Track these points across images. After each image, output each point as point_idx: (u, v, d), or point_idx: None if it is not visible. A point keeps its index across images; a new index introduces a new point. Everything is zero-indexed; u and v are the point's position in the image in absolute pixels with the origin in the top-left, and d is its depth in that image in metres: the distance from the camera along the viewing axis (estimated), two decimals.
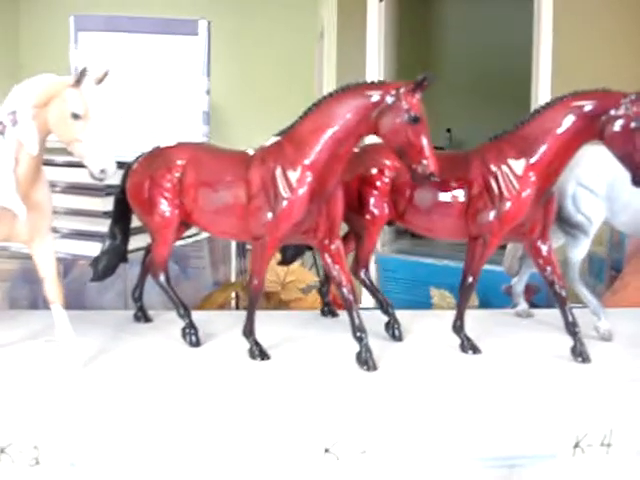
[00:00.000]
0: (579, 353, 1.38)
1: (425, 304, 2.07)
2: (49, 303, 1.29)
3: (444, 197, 1.41)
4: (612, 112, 1.29)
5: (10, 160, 1.22)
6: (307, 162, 1.28)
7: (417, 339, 1.49)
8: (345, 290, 1.33)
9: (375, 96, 1.24)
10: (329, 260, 1.36)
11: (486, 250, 1.38)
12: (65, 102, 1.18)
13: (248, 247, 1.42)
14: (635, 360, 1.40)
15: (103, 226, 1.58)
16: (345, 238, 1.54)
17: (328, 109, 1.27)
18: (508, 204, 1.35)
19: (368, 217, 1.47)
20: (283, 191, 1.28)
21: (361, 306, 1.83)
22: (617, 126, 1.28)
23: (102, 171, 1.18)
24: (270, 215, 1.29)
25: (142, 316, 1.58)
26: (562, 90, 1.37)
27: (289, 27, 5.93)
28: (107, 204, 1.59)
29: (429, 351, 1.42)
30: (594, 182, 1.52)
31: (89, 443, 1.17)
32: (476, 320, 1.56)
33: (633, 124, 1.27)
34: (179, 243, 1.81)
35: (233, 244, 2.17)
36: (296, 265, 2.00)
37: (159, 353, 1.39)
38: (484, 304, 2.00)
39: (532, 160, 1.35)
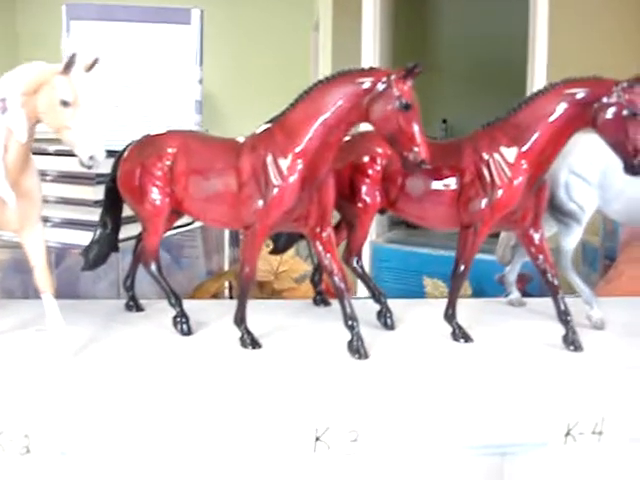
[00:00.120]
0: (571, 342, 1.38)
1: (418, 293, 2.08)
2: (39, 292, 1.29)
3: (436, 185, 1.41)
4: (604, 100, 1.28)
5: None
6: (298, 150, 1.27)
7: (409, 328, 1.48)
8: (336, 279, 1.33)
9: (366, 83, 1.23)
10: (320, 248, 1.36)
11: (477, 238, 1.38)
12: (54, 89, 1.18)
13: (242, 236, 1.42)
14: (628, 348, 1.40)
15: (94, 215, 1.57)
16: (337, 227, 1.54)
17: (319, 96, 1.27)
18: (500, 192, 1.34)
19: (360, 205, 1.46)
20: (274, 179, 1.27)
21: (356, 296, 1.84)
22: (609, 114, 1.28)
23: (91, 158, 1.18)
24: (261, 203, 1.28)
25: (134, 305, 1.57)
26: (558, 79, 1.36)
27: (284, 16, 5.92)
28: (98, 193, 1.58)
29: (421, 340, 1.42)
30: (587, 170, 1.52)
31: (80, 432, 1.17)
32: (468, 309, 1.56)
33: (625, 112, 1.26)
34: (172, 232, 1.81)
35: (226, 233, 2.16)
36: (290, 255, 2.00)
37: (150, 342, 1.38)
38: (477, 293, 2.00)
39: (524, 148, 1.34)
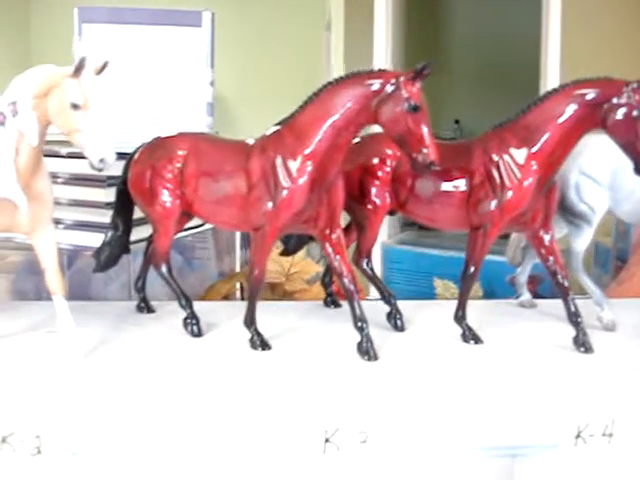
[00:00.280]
0: (582, 343, 1.38)
1: (429, 295, 2.07)
2: (50, 294, 1.30)
3: (445, 186, 1.40)
4: (614, 100, 1.28)
5: (10, 151, 1.22)
6: (307, 151, 1.27)
7: (419, 329, 1.48)
8: (346, 280, 1.33)
9: (375, 85, 1.23)
10: (330, 250, 1.36)
11: (487, 239, 1.38)
12: (64, 92, 1.18)
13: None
14: (639, 350, 1.40)
15: (106, 217, 1.58)
16: (347, 228, 1.54)
17: (328, 98, 1.27)
18: (509, 193, 1.34)
19: (370, 207, 1.46)
20: (283, 180, 1.28)
21: (368, 297, 1.84)
22: (619, 114, 1.27)
23: (101, 161, 1.19)
24: (270, 205, 1.29)
25: (145, 307, 1.58)
26: (571, 79, 1.36)
27: (295, 17, 5.92)
28: (110, 195, 1.59)
29: (430, 341, 1.42)
30: (597, 171, 1.51)
31: (91, 433, 1.17)
32: (479, 310, 1.55)
33: (635, 112, 1.26)
34: (184, 234, 1.81)
35: (238, 234, 2.17)
36: (301, 256, 2.01)
37: (160, 343, 1.39)
38: (488, 294, 2.00)
39: (534, 149, 1.34)
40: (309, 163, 1.27)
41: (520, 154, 1.35)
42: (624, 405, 1.25)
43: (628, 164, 1.30)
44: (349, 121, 1.26)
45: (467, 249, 1.41)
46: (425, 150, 1.21)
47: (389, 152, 1.45)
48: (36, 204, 1.28)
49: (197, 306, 1.47)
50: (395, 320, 1.48)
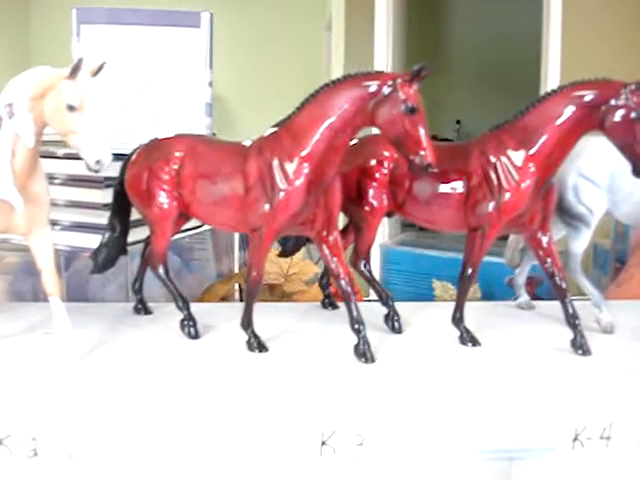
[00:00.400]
0: (579, 346, 1.37)
1: (428, 296, 2.07)
2: (47, 295, 1.29)
3: (443, 188, 1.40)
4: (612, 102, 1.27)
5: (7, 152, 1.22)
6: (304, 153, 1.27)
7: (416, 331, 1.48)
8: (343, 282, 1.33)
9: (372, 86, 1.23)
10: (327, 252, 1.35)
11: (485, 241, 1.37)
12: (61, 94, 1.18)
13: None
14: (637, 353, 1.39)
15: (103, 218, 1.58)
16: (345, 230, 1.54)
17: (325, 100, 1.27)
18: (507, 195, 1.34)
19: (367, 209, 1.46)
20: (280, 182, 1.27)
21: (367, 299, 1.83)
22: (617, 116, 1.27)
23: (98, 162, 1.19)
24: (267, 206, 1.28)
25: (142, 308, 1.58)
26: (572, 79, 1.35)
27: (296, 17, 5.92)
28: (107, 196, 1.58)
29: (428, 343, 1.41)
30: (595, 173, 1.51)
31: (87, 435, 1.17)
32: (477, 312, 1.55)
33: (633, 114, 1.26)
34: (182, 235, 1.81)
35: (236, 235, 2.17)
36: (300, 257, 2.00)
37: (157, 345, 1.39)
38: (487, 296, 1.99)
39: (531, 151, 1.33)
40: (306, 165, 1.27)
41: (518, 156, 1.34)
42: (622, 408, 1.25)
43: (626, 166, 1.29)
44: (346, 123, 1.26)
45: (465, 251, 1.41)
46: (422, 152, 1.21)
47: (387, 154, 1.45)
48: (32, 206, 1.27)
49: (194, 307, 1.46)
50: (392, 322, 1.47)
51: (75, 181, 1.67)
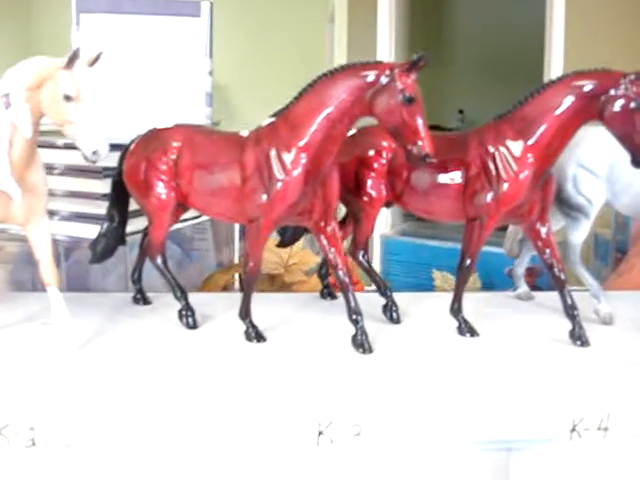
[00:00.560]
0: (578, 336, 1.37)
1: (428, 287, 2.06)
2: (45, 285, 1.30)
3: (441, 178, 1.40)
4: (612, 92, 1.27)
5: (4, 143, 1.22)
6: (301, 143, 1.27)
7: (415, 321, 1.48)
8: (341, 273, 1.33)
9: (370, 76, 1.22)
10: (325, 242, 1.35)
11: (483, 232, 1.37)
12: (57, 84, 1.18)
13: None
14: (636, 343, 1.39)
15: (102, 208, 1.57)
16: (344, 221, 1.54)
17: (323, 89, 1.26)
18: (505, 185, 1.33)
19: (365, 199, 1.46)
20: (277, 173, 1.27)
21: (368, 289, 1.83)
22: (617, 106, 1.26)
23: (94, 152, 1.19)
24: (264, 197, 1.28)
25: (141, 298, 1.58)
26: (575, 68, 1.35)
27: (299, 8, 5.90)
28: (106, 186, 1.58)
29: (426, 333, 1.41)
30: (595, 163, 1.50)
31: (85, 425, 1.18)
32: (476, 302, 1.55)
33: (633, 104, 1.25)
34: (182, 225, 1.81)
35: (237, 226, 2.16)
36: (300, 247, 2.00)
37: (155, 335, 1.39)
38: (487, 287, 1.99)
39: (530, 141, 1.33)
40: (303, 155, 1.27)
41: (516, 146, 1.34)
42: (620, 399, 1.25)
43: (626, 156, 1.29)
44: (343, 113, 1.25)
45: (463, 241, 1.40)
46: (420, 142, 1.20)
47: (385, 144, 1.44)
48: (30, 196, 1.27)
49: (193, 298, 1.47)
50: (391, 312, 1.47)
51: (74, 171, 1.67)
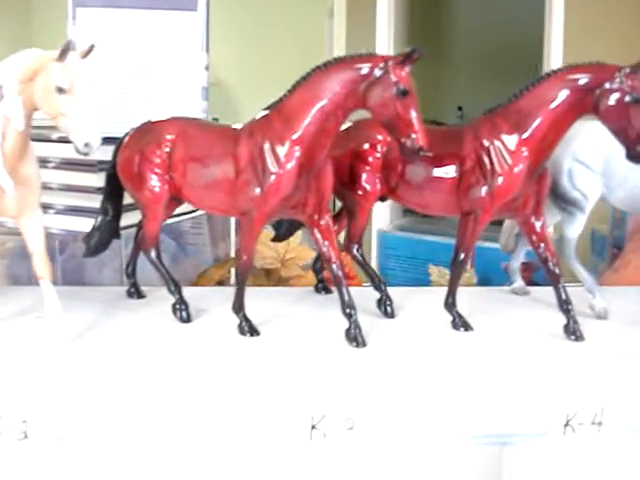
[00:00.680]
0: (572, 331, 1.37)
1: (424, 281, 2.06)
2: (38, 279, 1.29)
3: (436, 172, 1.39)
4: (607, 85, 1.26)
5: None
6: (295, 137, 1.26)
7: (409, 316, 1.48)
8: (334, 266, 1.32)
9: (363, 69, 1.22)
10: (318, 236, 1.35)
11: (477, 226, 1.37)
12: (50, 76, 1.18)
13: None
14: (630, 338, 1.39)
15: (97, 202, 1.57)
16: (338, 215, 1.53)
17: (316, 82, 1.26)
18: (500, 179, 1.33)
19: (360, 193, 1.46)
20: (271, 166, 1.26)
21: (366, 284, 1.83)
22: (611, 100, 1.26)
23: (86, 145, 1.18)
24: (258, 190, 1.28)
25: (135, 292, 1.58)
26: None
27: (298, 4, 5.89)
28: (101, 180, 1.58)
29: (420, 328, 1.41)
30: (590, 157, 1.50)
31: (77, 418, 1.17)
32: (471, 297, 1.55)
33: (628, 98, 1.25)
34: (178, 219, 1.81)
35: (232, 220, 2.16)
36: (296, 242, 2.00)
37: (149, 329, 1.39)
38: (485, 282, 1.98)
39: (525, 135, 1.32)
40: (297, 148, 1.26)
41: (511, 140, 1.33)
42: (614, 394, 1.25)
43: (621, 150, 1.29)
44: (337, 106, 1.25)
45: (457, 235, 1.40)
46: (414, 135, 1.20)
47: (380, 138, 1.44)
48: (23, 188, 1.27)
49: (188, 292, 1.46)
50: (385, 307, 1.47)
51: (69, 165, 1.66)
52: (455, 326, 1.40)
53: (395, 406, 1.21)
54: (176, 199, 1.43)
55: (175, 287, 1.44)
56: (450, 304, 1.42)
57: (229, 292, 1.43)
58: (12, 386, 1.17)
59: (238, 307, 1.36)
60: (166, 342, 1.32)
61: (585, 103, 1.29)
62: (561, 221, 1.55)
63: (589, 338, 1.37)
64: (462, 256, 1.39)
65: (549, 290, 1.44)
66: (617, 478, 1.27)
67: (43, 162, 1.58)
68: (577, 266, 1.53)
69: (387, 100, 1.20)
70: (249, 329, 1.35)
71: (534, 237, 1.41)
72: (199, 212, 1.92)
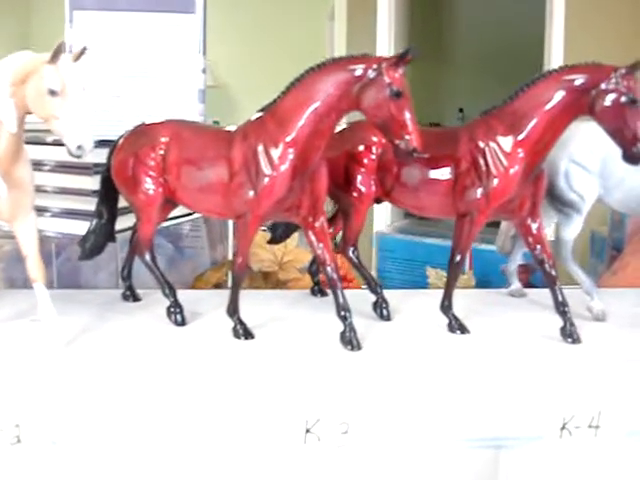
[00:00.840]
0: (569, 334, 1.36)
1: (422, 284, 2.05)
2: (31, 282, 1.29)
3: (431, 174, 1.39)
4: (602, 86, 1.25)
5: None
6: (289, 139, 1.26)
7: (405, 319, 1.47)
8: (329, 269, 1.32)
9: (357, 70, 1.21)
10: (313, 238, 1.34)
11: (473, 227, 1.36)
12: (42, 79, 1.17)
13: None
14: (628, 341, 1.38)
15: (93, 205, 1.56)
16: (334, 217, 1.53)
17: (310, 84, 1.25)
18: (495, 181, 1.32)
19: (355, 195, 1.45)
20: (265, 168, 1.26)
21: (364, 287, 1.82)
22: (607, 100, 1.25)
23: (79, 147, 1.18)
24: (252, 192, 1.27)
25: (130, 295, 1.57)
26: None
27: (299, 7, 5.90)
28: (97, 183, 1.57)
29: (416, 331, 1.40)
30: (587, 159, 1.49)
31: (71, 422, 1.17)
32: (468, 299, 1.54)
33: (623, 98, 1.24)
34: (175, 222, 1.80)
35: (230, 223, 2.15)
36: (294, 245, 1.99)
37: (144, 332, 1.38)
38: (483, 284, 1.97)
39: (520, 136, 1.32)
40: (291, 150, 1.26)
41: (507, 141, 1.33)
42: (611, 397, 1.24)
43: (618, 151, 1.28)
44: (331, 107, 1.24)
45: (453, 237, 1.39)
46: (408, 137, 1.19)
47: (375, 139, 1.43)
48: (17, 192, 1.27)
49: (184, 295, 1.46)
50: (381, 309, 1.46)
51: (64, 168, 1.65)
52: (451, 329, 1.39)
53: (390, 410, 1.21)
54: (171, 202, 1.43)
55: (170, 290, 1.43)
56: (446, 306, 1.41)
57: (225, 295, 1.42)
58: (5, 390, 1.17)
59: (233, 310, 1.36)
60: (161, 345, 1.31)
61: (581, 104, 1.28)
62: (558, 223, 1.54)
63: (587, 340, 1.36)
64: (458, 258, 1.39)
65: (546, 292, 1.44)
66: None
67: (38, 165, 1.58)
68: (574, 268, 1.53)
69: (381, 102, 1.20)
70: (243, 332, 1.34)
71: (530, 239, 1.41)
72: (197, 215, 1.92)
